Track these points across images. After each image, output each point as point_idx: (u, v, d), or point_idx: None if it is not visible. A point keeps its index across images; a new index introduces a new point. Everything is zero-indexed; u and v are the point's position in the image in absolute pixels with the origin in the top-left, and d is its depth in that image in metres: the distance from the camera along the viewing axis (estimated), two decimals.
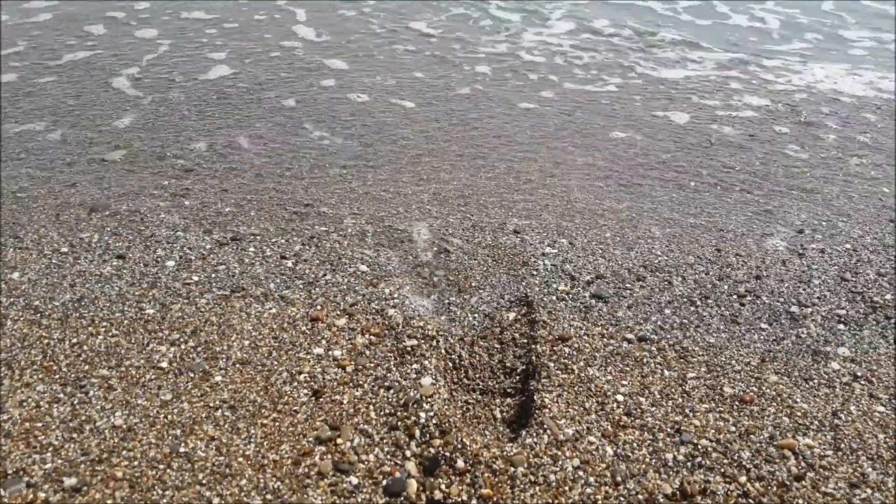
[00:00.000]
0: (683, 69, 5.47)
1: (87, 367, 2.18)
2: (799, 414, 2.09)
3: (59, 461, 1.84)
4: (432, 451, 1.89)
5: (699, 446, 1.95)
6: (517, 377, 2.27)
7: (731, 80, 5.28)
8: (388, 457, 1.89)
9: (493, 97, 4.73)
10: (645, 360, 2.30)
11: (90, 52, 5.23)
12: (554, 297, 2.62)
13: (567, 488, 1.80)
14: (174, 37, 5.68)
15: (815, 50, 6.21)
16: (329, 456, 1.89)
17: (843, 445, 1.97)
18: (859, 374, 2.29)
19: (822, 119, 4.55)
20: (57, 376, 2.13)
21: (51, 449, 1.87)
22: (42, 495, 1.74)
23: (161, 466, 1.84)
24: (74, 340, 2.29)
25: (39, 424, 1.95)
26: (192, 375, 2.16)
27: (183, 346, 2.28)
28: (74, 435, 1.92)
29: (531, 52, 5.72)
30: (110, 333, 2.33)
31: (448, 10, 6.72)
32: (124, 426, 1.96)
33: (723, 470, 1.88)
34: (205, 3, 6.54)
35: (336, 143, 3.91)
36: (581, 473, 1.84)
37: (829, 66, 5.69)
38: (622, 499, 1.78)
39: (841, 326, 2.53)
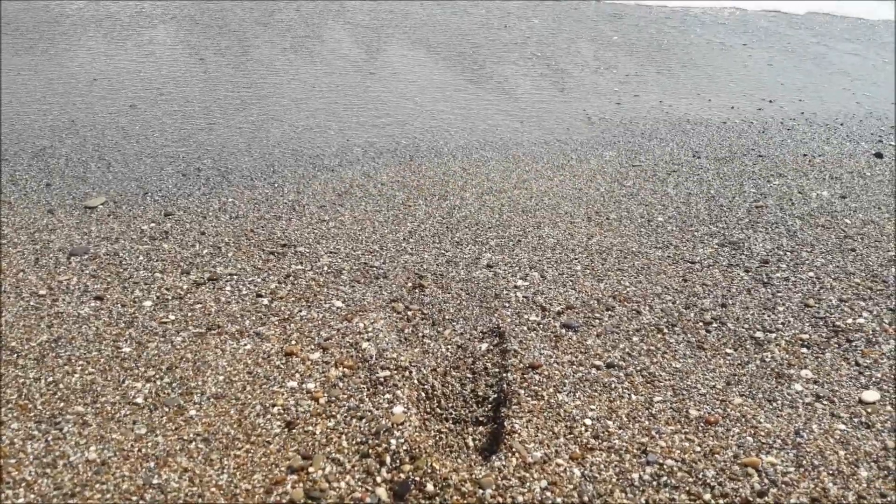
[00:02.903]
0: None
1: (62, 404, 2.20)
2: (762, 433, 2.14)
3: (32, 496, 1.85)
4: (402, 476, 1.93)
5: (665, 466, 1.99)
6: (489, 406, 2.32)
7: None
8: (360, 483, 1.92)
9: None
10: (613, 385, 2.35)
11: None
12: (525, 328, 2.68)
13: None
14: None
15: None
16: (301, 484, 1.91)
17: (804, 462, 2.02)
18: (821, 394, 2.35)
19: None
20: (31, 414, 2.15)
21: (23, 484, 1.89)
22: None
23: (134, 498, 1.85)
24: (50, 379, 2.31)
25: (13, 461, 1.97)
26: (166, 410, 2.19)
27: (158, 383, 2.31)
28: (48, 470, 1.94)
29: None
30: (86, 371, 2.35)
31: None
32: (98, 460, 1.97)
33: (687, 488, 1.92)
34: None
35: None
36: (549, 494, 1.88)
37: None
38: None
39: (804, 350, 2.60)
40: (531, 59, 7.40)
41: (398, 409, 2.19)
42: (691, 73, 7.12)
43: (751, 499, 1.89)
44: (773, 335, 2.69)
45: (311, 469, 1.96)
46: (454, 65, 6.99)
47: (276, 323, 2.66)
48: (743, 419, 2.21)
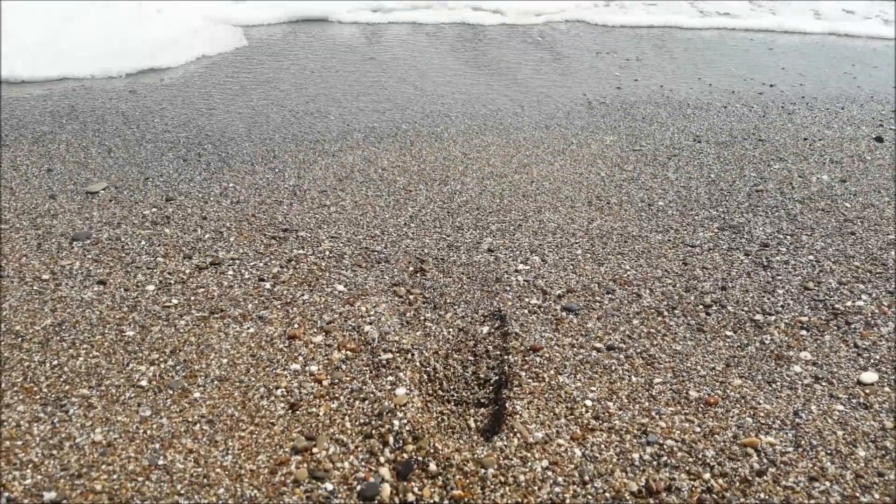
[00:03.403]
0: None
1: (67, 387, 2.22)
2: (762, 414, 2.16)
3: (39, 477, 1.87)
4: (405, 456, 1.95)
5: (665, 446, 2.01)
6: (490, 387, 2.33)
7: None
8: (363, 463, 1.94)
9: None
10: (613, 367, 2.37)
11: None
12: (526, 311, 2.69)
13: (536, 488, 1.85)
14: None
15: None
16: (305, 464, 1.93)
17: (803, 442, 2.04)
18: (820, 376, 2.37)
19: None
20: (37, 397, 2.17)
21: (31, 465, 1.91)
22: None
23: (140, 479, 1.88)
24: (55, 362, 2.33)
25: (19, 442, 1.99)
26: (171, 392, 2.21)
27: (162, 366, 2.33)
28: (54, 451, 1.96)
29: None
30: (91, 355, 2.37)
31: None
32: (104, 442, 1.99)
33: (687, 468, 1.94)
34: None
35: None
36: (550, 473, 1.90)
37: None
38: (590, 497, 1.84)
39: (803, 332, 2.62)
40: (532, 43, 7.37)
41: (401, 391, 2.21)
42: (692, 57, 7.10)
43: (750, 478, 1.91)
44: (773, 318, 2.70)
45: (314, 450, 1.98)
46: (455, 49, 6.96)
47: (279, 307, 2.68)
48: (742, 400, 2.23)
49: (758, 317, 2.70)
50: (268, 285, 2.83)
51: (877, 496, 1.86)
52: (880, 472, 1.93)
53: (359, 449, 1.99)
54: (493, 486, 1.85)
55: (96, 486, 1.84)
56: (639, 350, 2.47)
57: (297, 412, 2.13)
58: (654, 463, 1.95)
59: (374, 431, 2.04)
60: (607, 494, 1.85)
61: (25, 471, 1.89)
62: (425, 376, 2.36)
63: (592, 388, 2.25)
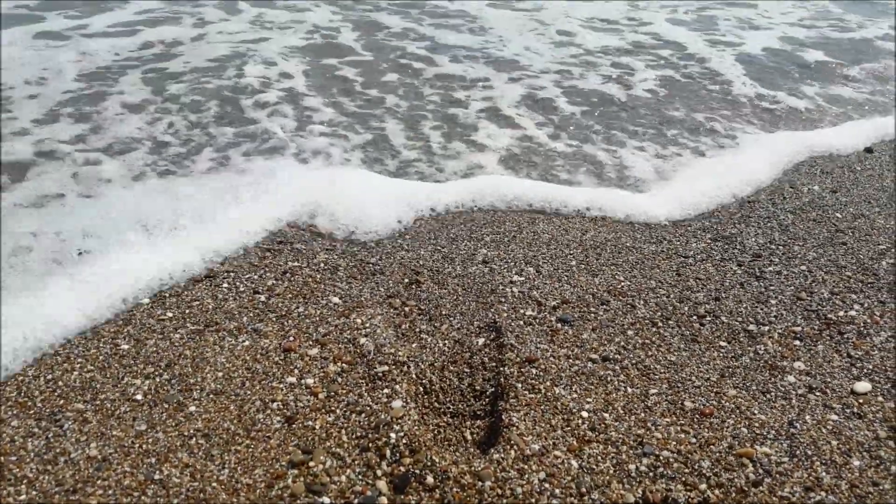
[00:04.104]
0: None
1: (61, 401, 2.21)
2: (757, 424, 2.17)
3: (34, 493, 1.86)
4: (402, 469, 1.95)
5: (661, 457, 2.02)
6: (487, 399, 2.34)
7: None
8: (360, 477, 1.94)
9: None
10: (609, 378, 2.38)
11: None
12: (521, 322, 2.70)
13: (533, 500, 1.86)
14: None
15: None
16: (301, 478, 1.93)
17: (798, 452, 2.06)
18: (814, 385, 2.38)
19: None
20: (31, 411, 2.16)
21: (25, 481, 1.90)
22: None
23: (136, 494, 1.87)
24: (49, 377, 2.32)
25: (14, 458, 1.98)
26: (166, 406, 2.20)
27: (157, 379, 2.32)
28: (49, 467, 1.95)
29: None
30: (85, 369, 2.36)
31: None
32: (99, 456, 1.99)
33: (684, 479, 1.95)
34: None
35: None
36: (547, 486, 1.90)
37: None
38: None
39: (797, 342, 2.63)
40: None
41: (397, 404, 2.21)
42: None
43: (746, 489, 1.92)
44: (766, 328, 2.72)
45: (311, 463, 1.98)
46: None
47: (274, 319, 2.68)
48: (737, 410, 2.24)
49: (751, 327, 2.72)
50: (263, 298, 2.82)
51: None
52: (875, 481, 1.95)
53: (356, 462, 1.99)
54: (490, 499, 1.85)
55: (92, 502, 1.84)
56: (634, 361, 2.48)
57: (294, 425, 2.13)
58: (651, 474, 1.96)
59: (370, 444, 2.04)
60: None
61: (20, 486, 1.88)
62: (421, 388, 2.36)
63: (588, 400, 2.26)
